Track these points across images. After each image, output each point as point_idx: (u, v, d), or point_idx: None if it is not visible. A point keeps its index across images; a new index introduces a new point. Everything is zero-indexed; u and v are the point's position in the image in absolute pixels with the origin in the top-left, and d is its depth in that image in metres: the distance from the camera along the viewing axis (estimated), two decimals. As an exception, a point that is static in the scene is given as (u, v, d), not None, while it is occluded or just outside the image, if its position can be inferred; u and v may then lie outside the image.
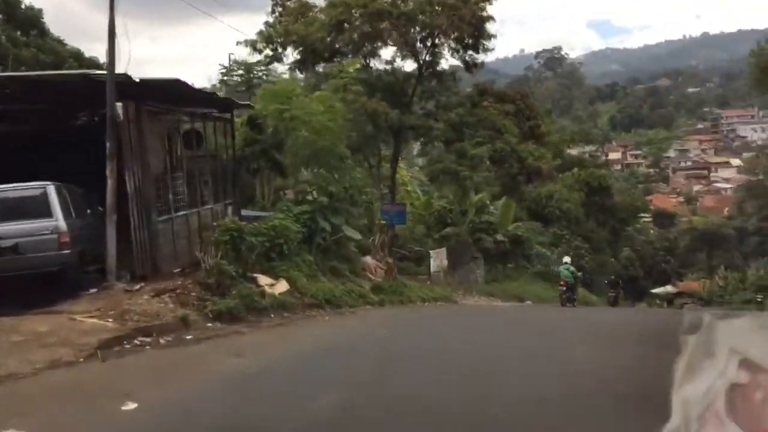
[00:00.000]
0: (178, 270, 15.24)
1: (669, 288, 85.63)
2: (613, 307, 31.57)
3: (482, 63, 27.98)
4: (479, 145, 24.63)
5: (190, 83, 15.53)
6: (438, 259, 27.28)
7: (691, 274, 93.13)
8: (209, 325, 12.15)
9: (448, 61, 28.34)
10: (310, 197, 18.67)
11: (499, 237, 32.57)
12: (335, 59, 27.55)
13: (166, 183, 17.06)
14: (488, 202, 33.69)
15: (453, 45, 27.70)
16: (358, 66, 24.54)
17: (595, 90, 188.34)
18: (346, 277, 18.59)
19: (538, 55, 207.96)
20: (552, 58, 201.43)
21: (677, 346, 1.54)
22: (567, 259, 27.73)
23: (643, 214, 49.19)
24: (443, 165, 25.59)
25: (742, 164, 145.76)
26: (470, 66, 27.97)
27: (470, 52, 27.62)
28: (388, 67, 27.15)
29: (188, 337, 11.14)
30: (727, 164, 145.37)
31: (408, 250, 29.73)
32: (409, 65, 28.60)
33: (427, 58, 27.89)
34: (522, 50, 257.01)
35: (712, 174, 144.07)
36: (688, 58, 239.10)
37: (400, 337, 12.18)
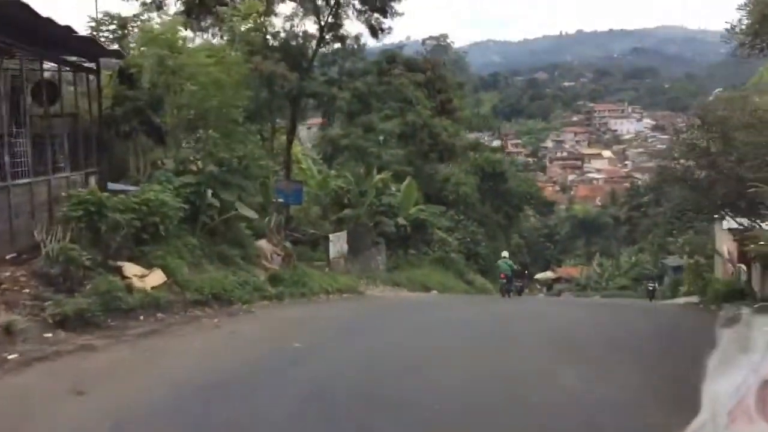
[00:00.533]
0: (12, 256, 11.30)
1: (549, 273, 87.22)
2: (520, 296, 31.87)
3: (390, 29, 25.10)
4: (388, 119, 21.76)
5: (35, 9, 11.42)
6: (338, 245, 24.24)
7: (569, 261, 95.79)
8: (48, 335, 8.49)
9: (353, 22, 25.22)
10: (194, 167, 15.06)
11: (401, 221, 30.00)
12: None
13: (2, 143, 12.96)
14: (390, 183, 31.04)
15: (358, 5, 24.65)
16: (258, 8, 20.94)
17: (479, 79, 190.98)
18: (237, 265, 15.19)
19: (424, 42, 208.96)
20: (438, 46, 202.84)
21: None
22: (505, 253, 28.07)
23: (534, 201, 48.49)
24: (349, 140, 22.55)
25: (612, 155, 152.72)
26: (376, 31, 25.03)
27: (377, 15, 24.67)
28: (287, 24, 23.68)
29: (11, 357, 7.50)
30: (599, 155, 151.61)
31: (303, 233, 26.49)
32: (310, 27, 25.22)
33: (329, 19, 24.65)
34: (408, 37, 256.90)
35: (585, 164, 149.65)
36: (564, 53, 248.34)
37: (316, 352, 9.03)
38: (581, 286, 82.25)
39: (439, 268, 31.34)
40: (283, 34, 23.33)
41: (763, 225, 24.76)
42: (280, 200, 21.26)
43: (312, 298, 15.92)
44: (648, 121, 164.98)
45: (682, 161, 25.40)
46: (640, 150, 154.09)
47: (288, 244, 18.76)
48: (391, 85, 22.78)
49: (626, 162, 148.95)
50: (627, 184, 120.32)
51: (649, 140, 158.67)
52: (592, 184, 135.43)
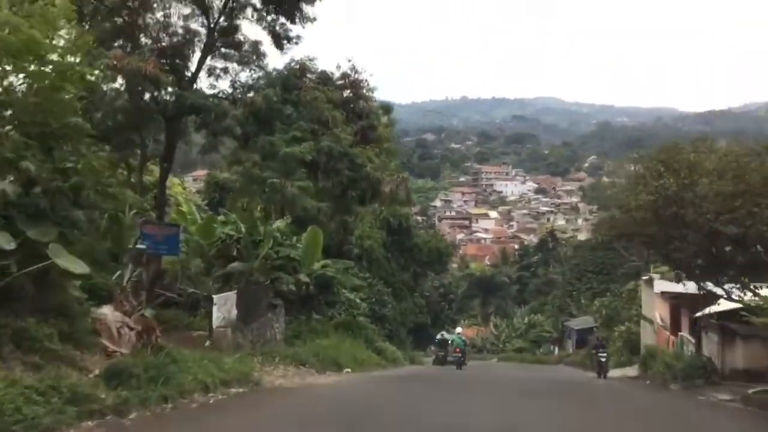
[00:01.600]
0: None
1: (446, 335, 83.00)
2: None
3: (298, 38, 19.50)
4: (296, 142, 16.05)
5: None
6: (224, 309, 17.87)
7: (464, 321, 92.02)
8: None
9: (253, 26, 19.46)
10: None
11: (303, 278, 23.96)
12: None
13: None
14: (290, 231, 24.99)
15: (259, 5, 19.08)
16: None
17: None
18: (52, 353, 8.72)
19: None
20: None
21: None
22: (459, 329, 33.84)
23: (446, 258, 43.87)
24: (241, 170, 16.55)
25: (498, 216, 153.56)
26: (281, 40, 19.44)
27: (282, 19, 19.14)
28: (160, 15, 17.52)
29: None
30: (486, 215, 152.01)
31: (179, 293, 19.86)
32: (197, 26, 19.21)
33: (222, 21, 18.84)
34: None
35: (473, 224, 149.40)
36: (451, 117, 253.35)
37: None
38: (477, 348, 78.38)
39: (346, 334, 25.34)
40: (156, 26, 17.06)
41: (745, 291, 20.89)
42: (145, 247, 14.80)
43: (180, 403, 9.57)
44: (531, 184, 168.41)
45: (636, 212, 21.29)
46: (525, 212, 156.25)
47: (149, 313, 12.29)
48: (300, 102, 17.04)
49: (512, 222, 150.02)
50: (515, 245, 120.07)
51: (532, 202, 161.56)
52: (481, 244, 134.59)
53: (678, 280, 22.18)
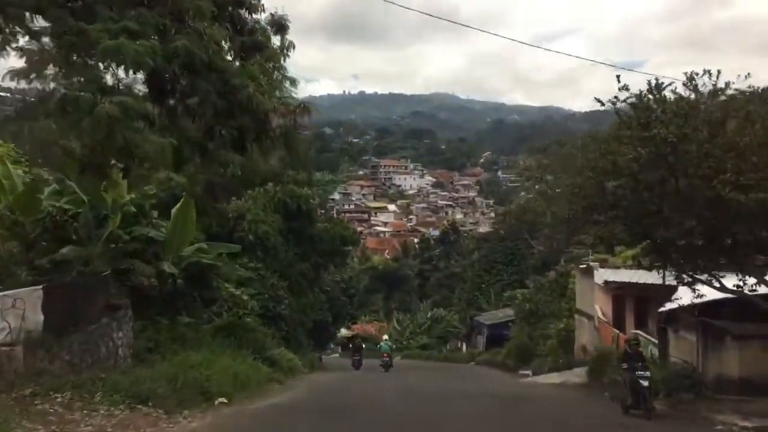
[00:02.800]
0: None
1: (344, 331, 76.62)
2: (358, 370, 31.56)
3: None
4: (132, 36, 9.34)
5: None
6: (15, 314, 10.90)
7: (365, 317, 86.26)
8: None
9: None
10: None
11: (168, 267, 17.12)
12: None
13: None
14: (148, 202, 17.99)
15: None
16: None
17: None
18: None
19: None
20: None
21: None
22: (386, 336, 38.07)
23: (350, 248, 37.72)
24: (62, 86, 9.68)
25: (397, 210, 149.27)
26: None
27: None
28: None
29: None
30: (385, 209, 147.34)
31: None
32: None
33: None
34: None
35: (372, 218, 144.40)
36: (349, 112, 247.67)
37: None
38: (379, 344, 72.85)
39: (226, 344, 18.54)
40: None
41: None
42: None
43: None
44: (429, 178, 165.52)
45: (612, 176, 16.08)
46: (423, 205, 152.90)
47: None
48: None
49: (411, 216, 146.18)
50: (415, 239, 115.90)
51: (431, 196, 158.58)
52: (380, 237, 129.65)
53: (663, 267, 17.12)
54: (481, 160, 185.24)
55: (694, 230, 14.64)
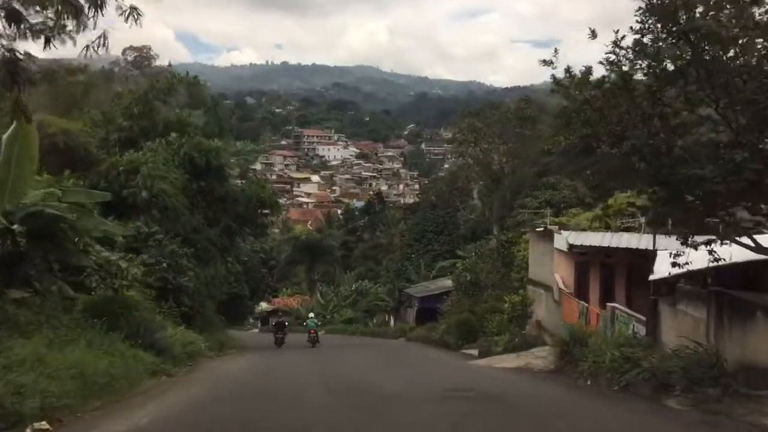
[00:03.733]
0: None
1: (264, 305, 71.05)
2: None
3: None
4: None
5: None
6: None
7: (286, 290, 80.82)
8: None
9: None
10: None
11: (-4, 220, 11.46)
12: None
13: None
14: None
15: None
16: None
17: (188, 97, 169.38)
18: None
19: (125, 51, 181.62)
20: (141, 57, 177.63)
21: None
22: (312, 314, 36.19)
23: (268, 211, 32.25)
24: None
25: (321, 180, 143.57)
26: None
27: None
28: None
29: None
30: (308, 180, 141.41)
31: None
32: None
33: None
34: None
35: (294, 188, 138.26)
36: (271, 82, 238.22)
37: None
38: (301, 319, 67.76)
39: (90, 329, 13.02)
40: None
41: None
42: None
43: None
44: (353, 149, 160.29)
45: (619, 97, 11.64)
46: (347, 176, 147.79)
47: None
48: None
49: (334, 187, 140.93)
50: (339, 210, 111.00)
51: (354, 167, 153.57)
52: (303, 208, 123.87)
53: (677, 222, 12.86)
54: (405, 133, 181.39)
55: (745, 165, 10.28)
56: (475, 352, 24.39)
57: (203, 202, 29.41)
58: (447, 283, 47.47)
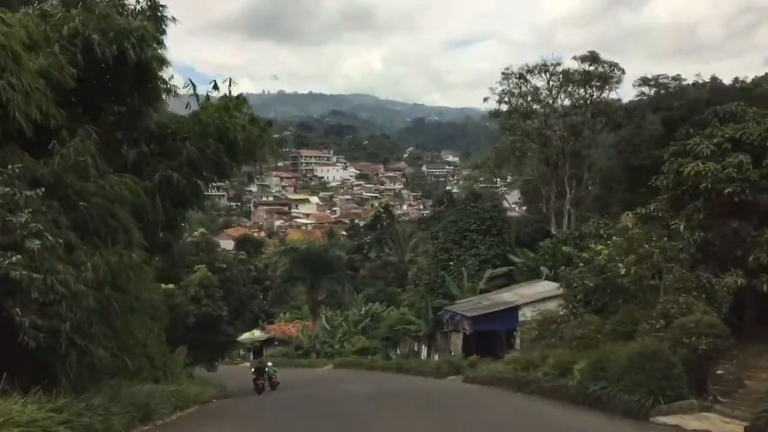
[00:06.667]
0: None
1: (257, 333, 55.20)
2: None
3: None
4: None
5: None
6: None
7: (284, 314, 64.95)
8: None
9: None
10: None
11: None
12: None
13: None
14: None
15: None
16: None
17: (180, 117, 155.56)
18: None
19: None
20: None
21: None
22: (270, 363, 25.51)
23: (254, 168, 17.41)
24: None
25: (320, 202, 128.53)
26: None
27: None
28: None
29: None
30: (306, 201, 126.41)
31: None
32: None
33: None
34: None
35: (293, 210, 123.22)
36: (268, 111, 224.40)
37: None
38: (303, 349, 52.09)
39: None
40: None
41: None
42: None
43: None
44: (353, 170, 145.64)
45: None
46: (347, 197, 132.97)
47: None
48: None
49: (334, 208, 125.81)
50: (342, 231, 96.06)
51: (355, 188, 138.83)
52: (302, 229, 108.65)
53: None
54: (405, 155, 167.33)
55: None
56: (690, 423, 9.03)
57: (103, 135, 14.06)
58: (506, 297, 32.24)
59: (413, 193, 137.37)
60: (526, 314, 28.80)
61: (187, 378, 24.77)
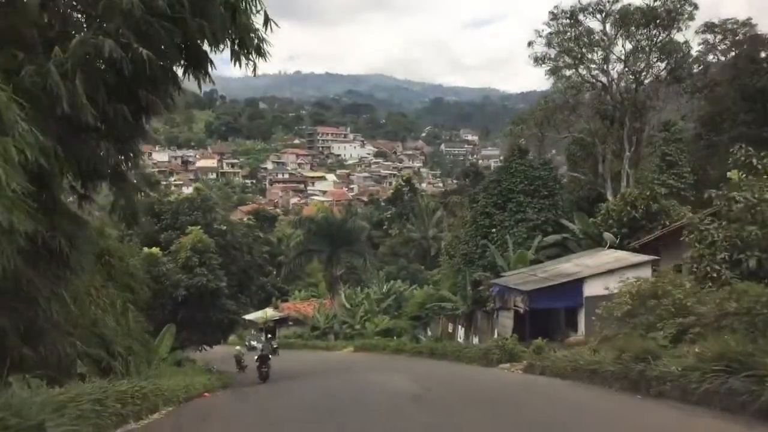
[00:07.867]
0: None
1: (269, 312, 49.53)
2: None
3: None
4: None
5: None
6: None
7: (298, 291, 59.29)
8: None
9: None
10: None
11: None
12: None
13: None
14: None
15: None
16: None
17: (192, 95, 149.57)
18: None
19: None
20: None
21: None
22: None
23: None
24: None
25: (336, 179, 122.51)
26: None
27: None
28: None
29: None
30: (322, 178, 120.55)
31: None
32: None
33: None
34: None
35: (309, 187, 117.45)
36: (283, 91, 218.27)
37: None
38: (320, 330, 46.46)
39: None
40: None
41: None
42: None
43: None
44: (370, 148, 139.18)
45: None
46: (365, 175, 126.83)
47: None
48: None
49: (351, 186, 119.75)
50: (358, 207, 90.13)
51: (372, 166, 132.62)
52: (319, 206, 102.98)
53: None
54: (423, 134, 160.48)
55: None
56: None
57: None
58: (566, 268, 26.08)
59: (432, 172, 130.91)
60: (592, 289, 22.90)
61: (171, 366, 19.06)
